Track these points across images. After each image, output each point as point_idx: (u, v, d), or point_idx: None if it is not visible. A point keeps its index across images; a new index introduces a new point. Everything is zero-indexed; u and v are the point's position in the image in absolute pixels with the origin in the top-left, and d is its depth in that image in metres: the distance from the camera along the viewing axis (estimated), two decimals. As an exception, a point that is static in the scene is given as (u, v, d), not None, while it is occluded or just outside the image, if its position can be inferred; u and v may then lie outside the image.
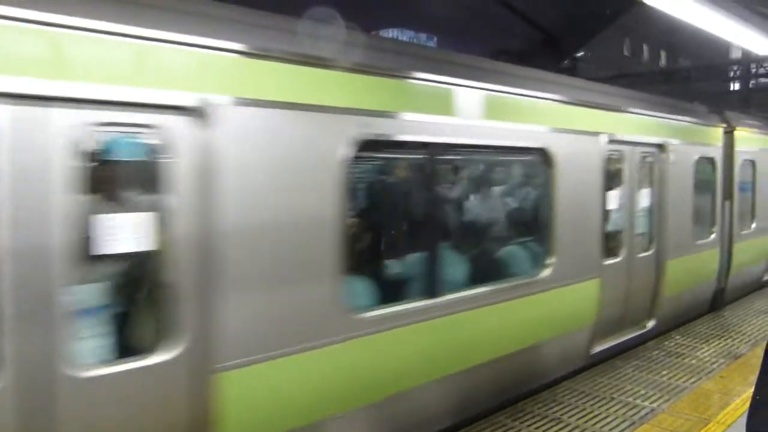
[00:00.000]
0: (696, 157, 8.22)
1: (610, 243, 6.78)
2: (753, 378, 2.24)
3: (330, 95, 3.88)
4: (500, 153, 5.87)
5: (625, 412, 5.32)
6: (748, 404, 2.40)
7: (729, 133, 9.20)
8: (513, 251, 6.06)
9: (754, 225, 10.23)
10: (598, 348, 6.62)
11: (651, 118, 7.37)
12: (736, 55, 25.09)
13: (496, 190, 6.54)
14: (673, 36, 32.87)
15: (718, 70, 25.33)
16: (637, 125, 7.10)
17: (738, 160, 9.46)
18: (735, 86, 25.87)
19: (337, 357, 3.92)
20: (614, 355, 6.78)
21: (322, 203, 3.81)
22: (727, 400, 5.52)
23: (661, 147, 7.47)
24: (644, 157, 7.31)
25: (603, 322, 6.58)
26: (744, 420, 2.37)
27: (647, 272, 7.38)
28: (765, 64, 23.43)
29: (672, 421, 5.15)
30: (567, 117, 5.97)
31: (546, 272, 5.77)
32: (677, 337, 7.62)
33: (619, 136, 6.67)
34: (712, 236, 8.85)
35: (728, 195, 9.30)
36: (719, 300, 9.32)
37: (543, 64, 8.03)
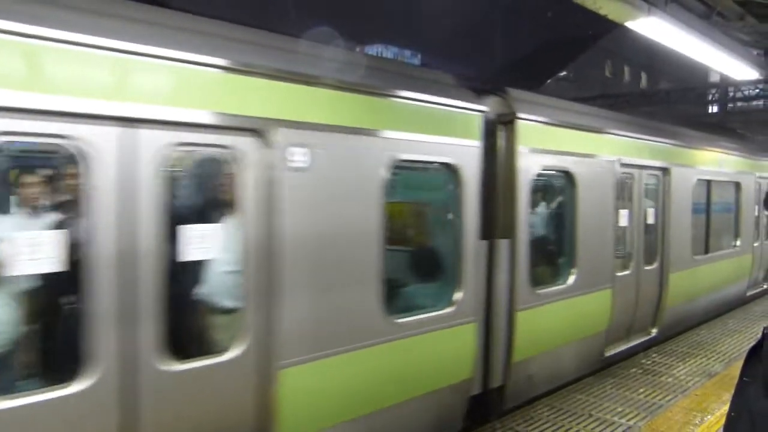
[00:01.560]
0: (390, 158, 4.35)
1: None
2: (727, 396, 2.28)
3: None
4: None
5: (602, 430, 5.35)
6: (722, 421, 2.44)
7: (506, 124, 5.44)
8: None
9: (572, 279, 6.23)
10: None
11: (218, 72, 3.47)
12: (714, 78, 25.64)
13: None
14: (653, 59, 33.52)
15: (696, 92, 25.84)
16: (141, 79, 3.19)
17: (527, 172, 5.57)
18: (714, 109, 26.43)
19: None
20: None
21: None
22: (702, 418, 5.57)
23: (259, 135, 3.62)
24: (189, 154, 3.65)
25: None
26: (718, 437, 2.40)
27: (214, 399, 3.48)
28: (742, 89, 23.99)
29: (648, 438, 5.18)
30: None
31: None
32: (654, 355, 7.69)
33: (42, 102, 2.84)
34: (455, 305, 4.88)
35: (505, 230, 5.40)
36: (494, 405, 5.54)
37: (523, 83, 8.13)
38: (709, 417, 5.61)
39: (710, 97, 26.14)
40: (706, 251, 9.38)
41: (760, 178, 11.42)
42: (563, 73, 29.02)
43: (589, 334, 6.69)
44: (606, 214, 6.81)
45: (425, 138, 4.65)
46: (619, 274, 7.13)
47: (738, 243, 10.45)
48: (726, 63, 8.36)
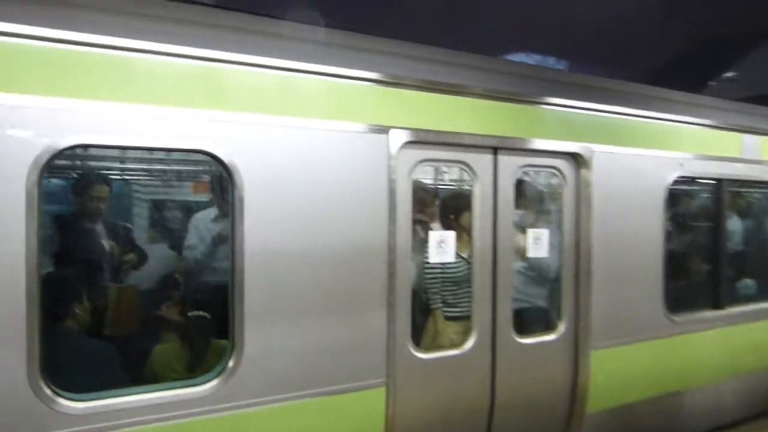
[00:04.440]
0: None
1: None
2: None
3: None
4: None
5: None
6: None
7: None
8: None
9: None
10: None
11: None
12: None
13: None
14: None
15: None
16: None
17: None
18: None
19: None
20: None
21: None
22: None
23: None
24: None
25: None
26: None
27: None
28: None
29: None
30: None
31: None
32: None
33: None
34: None
35: None
36: None
37: (681, 86, 7.46)
38: None
39: None
40: (717, 305, 5.35)
41: None
42: (730, 74, 26.51)
43: None
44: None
45: None
46: (423, 356, 3.78)
47: None
48: None
